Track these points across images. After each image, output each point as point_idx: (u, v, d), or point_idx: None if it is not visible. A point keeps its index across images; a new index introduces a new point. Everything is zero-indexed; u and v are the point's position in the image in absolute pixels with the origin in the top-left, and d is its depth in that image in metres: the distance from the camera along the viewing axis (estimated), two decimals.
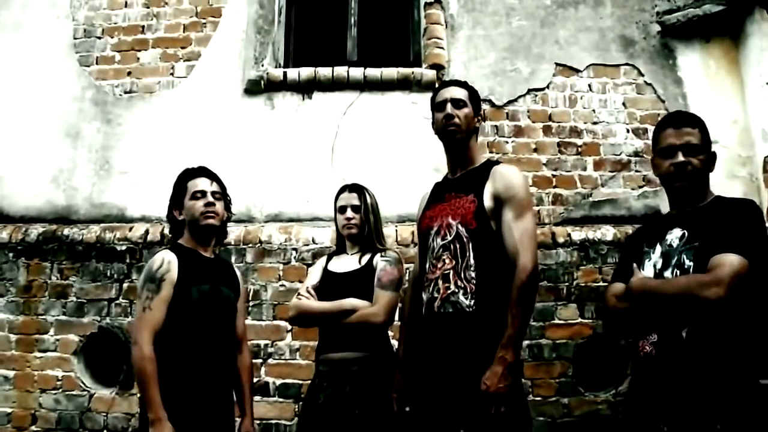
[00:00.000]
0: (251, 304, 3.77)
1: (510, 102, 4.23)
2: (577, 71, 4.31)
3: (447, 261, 2.40)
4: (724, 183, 4.14)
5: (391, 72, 4.21)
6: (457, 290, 2.35)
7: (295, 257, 3.85)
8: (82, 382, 3.78)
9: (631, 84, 4.34)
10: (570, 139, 4.20)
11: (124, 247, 3.92)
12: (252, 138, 4.18)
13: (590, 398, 3.72)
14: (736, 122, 4.32)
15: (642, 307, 2.11)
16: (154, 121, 4.26)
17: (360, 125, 4.18)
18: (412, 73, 4.20)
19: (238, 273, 2.83)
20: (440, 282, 2.40)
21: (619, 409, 3.69)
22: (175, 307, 2.44)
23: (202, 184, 2.65)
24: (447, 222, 2.45)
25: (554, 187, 4.12)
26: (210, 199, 2.61)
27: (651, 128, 4.21)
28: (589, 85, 4.30)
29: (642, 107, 4.30)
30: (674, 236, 2.15)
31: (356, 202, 2.87)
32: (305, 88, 4.24)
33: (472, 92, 2.63)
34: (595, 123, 4.24)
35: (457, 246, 2.39)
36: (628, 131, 4.25)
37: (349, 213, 2.85)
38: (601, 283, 3.85)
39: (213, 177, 2.72)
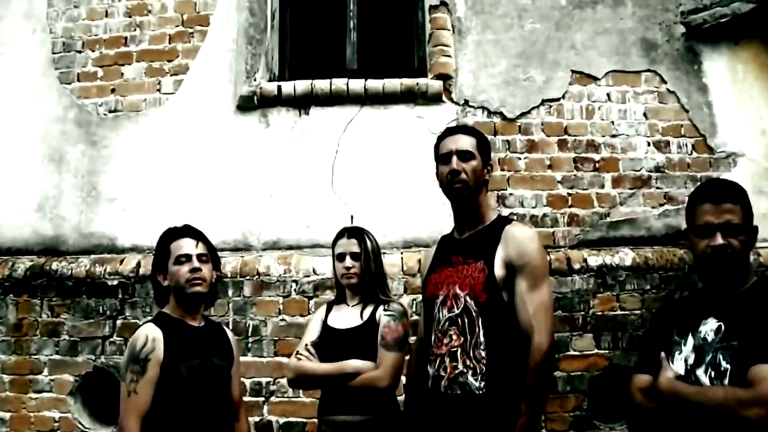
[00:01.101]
0: (251, 340, 3.51)
1: (523, 114, 3.84)
2: (595, 79, 3.90)
3: (454, 337, 2.14)
4: (750, 199, 3.79)
5: (394, 84, 3.82)
6: (465, 370, 2.10)
7: (295, 290, 3.55)
8: (81, 423, 3.55)
9: (653, 92, 3.94)
10: (587, 154, 3.82)
11: (115, 282, 3.63)
12: (246, 158, 3.83)
13: (605, 431, 3.49)
14: (764, 133, 3.94)
15: (670, 409, 1.82)
16: (141, 142, 3.91)
17: (362, 142, 3.82)
18: (417, 84, 3.80)
19: (231, 337, 2.54)
20: (447, 360, 2.14)
21: None
22: (164, 387, 2.18)
23: (186, 246, 2.34)
24: (454, 292, 2.18)
25: (570, 206, 3.77)
26: (195, 263, 2.31)
27: (673, 140, 3.88)
28: (608, 95, 3.90)
29: (664, 118, 3.91)
30: (709, 328, 1.85)
31: (356, 249, 2.58)
32: (302, 103, 3.86)
33: (481, 140, 2.31)
34: (613, 136, 3.86)
35: (465, 321, 2.13)
36: (648, 144, 3.87)
37: (348, 262, 2.56)
38: (618, 312, 3.57)
39: (198, 236, 2.40)
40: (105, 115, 3.97)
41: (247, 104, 3.86)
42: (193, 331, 2.34)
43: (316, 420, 3.32)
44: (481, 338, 2.09)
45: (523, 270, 2.10)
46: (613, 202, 3.79)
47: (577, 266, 3.56)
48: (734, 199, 1.88)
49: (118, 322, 3.60)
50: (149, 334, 2.22)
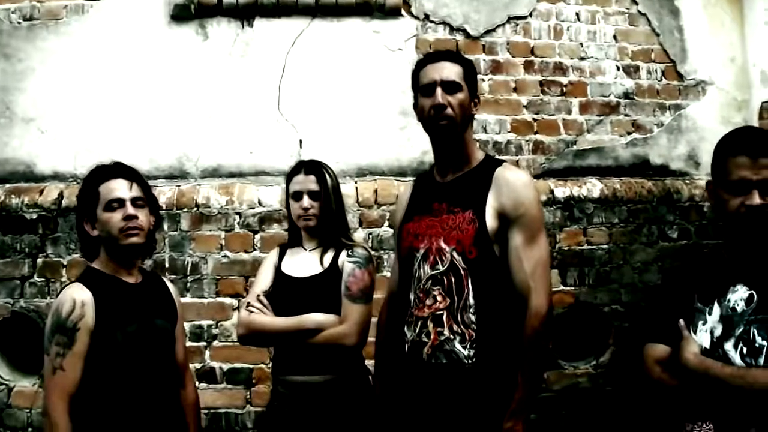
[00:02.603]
0: (190, 279, 3.01)
1: (487, 32, 3.35)
2: None
3: (439, 298, 1.76)
4: (717, 129, 3.47)
5: None
6: (452, 337, 1.73)
7: (239, 223, 3.04)
8: None
9: (624, 14, 3.51)
10: (554, 77, 3.39)
11: (34, 215, 3.04)
12: (182, 75, 3.22)
13: (570, 371, 3.18)
14: (733, 60, 3.60)
15: (698, 388, 1.47)
16: (62, 55, 3.23)
17: (312, 59, 3.25)
18: None
19: (174, 291, 2.07)
20: (430, 324, 1.76)
21: (600, 382, 3.19)
22: (96, 359, 1.74)
23: (118, 189, 1.85)
24: (438, 245, 1.78)
25: (535, 132, 3.35)
26: (130, 209, 1.83)
27: (643, 66, 3.51)
28: (577, 14, 3.45)
29: (634, 41, 3.50)
30: (739, 297, 1.50)
31: (314, 186, 2.14)
32: (245, 13, 3.25)
33: (468, 68, 1.88)
34: (582, 59, 3.43)
35: (453, 279, 1.75)
36: (618, 69, 3.46)
37: (306, 201, 2.13)
38: (585, 246, 3.23)
39: (132, 176, 1.90)
40: (19, 23, 3.28)
41: (182, 13, 3.22)
42: (129, 290, 1.87)
43: (263, 366, 2.95)
44: (471, 300, 1.73)
45: (518, 221, 1.75)
46: (580, 130, 3.40)
47: (543, 198, 3.13)
48: None
49: (39, 260, 3.03)
50: (77, 298, 1.75)
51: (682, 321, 1.54)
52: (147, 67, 3.23)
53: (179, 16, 3.24)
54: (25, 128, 3.23)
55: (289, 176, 2.23)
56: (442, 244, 1.78)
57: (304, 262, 2.16)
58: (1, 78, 3.26)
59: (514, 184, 1.77)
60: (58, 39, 3.27)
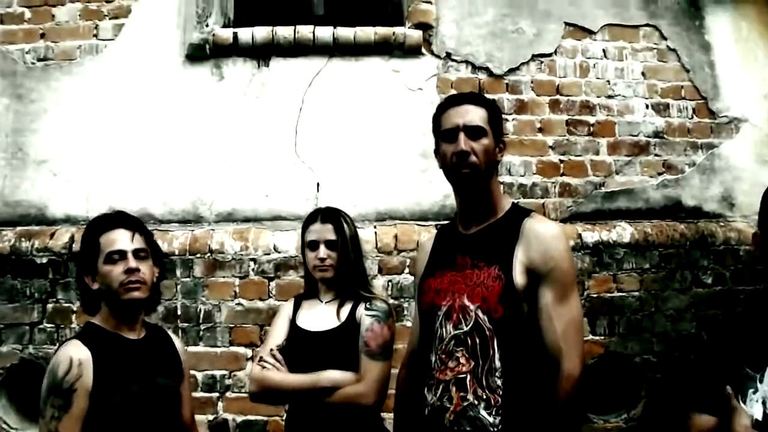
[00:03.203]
0: (203, 327, 2.84)
1: (511, 70, 3.18)
2: (590, 33, 3.27)
3: (462, 360, 1.58)
4: (752, 168, 3.27)
5: (368, 33, 3.10)
6: (476, 402, 1.55)
7: (253, 269, 2.87)
8: (6, 422, 2.88)
9: (652, 49, 3.33)
10: (581, 116, 3.20)
11: (45, 260, 2.90)
12: (197, 117, 3.09)
13: (600, 424, 2.95)
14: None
15: None
16: (75, 96, 3.13)
17: (329, 99, 3.11)
18: (393, 34, 3.09)
19: (179, 345, 1.91)
20: (453, 388, 1.58)
21: None
22: (95, 422, 1.58)
23: (120, 240, 1.70)
24: (461, 303, 1.61)
25: (562, 174, 3.16)
26: (132, 263, 1.68)
27: (673, 103, 3.30)
28: (604, 51, 3.28)
29: (664, 78, 3.31)
30: None
31: (332, 236, 1.99)
32: (261, 53, 3.12)
33: (493, 111, 1.72)
34: (610, 97, 3.24)
35: (477, 340, 1.57)
36: (647, 107, 3.27)
37: (323, 251, 1.97)
38: (615, 294, 3.02)
39: (134, 226, 1.75)
40: (33, 63, 3.18)
41: (197, 53, 3.10)
42: (131, 347, 1.70)
43: (278, 418, 2.76)
44: (497, 363, 1.55)
45: (549, 277, 1.58)
46: (609, 171, 3.20)
47: (571, 242, 2.96)
48: None
49: (49, 306, 2.89)
50: (74, 357, 1.60)
51: (729, 389, 1.31)
52: (161, 109, 3.10)
53: (194, 56, 3.12)
54: (38, 170, 3.11)
55: (305, 225, 2.07)
56: (466, 302, 1.60)
57: (320, 315, 2.00)
58: (14, 119, 3.15)
59: (544, 236, 1.60)
60: (72, 79, 3.16)
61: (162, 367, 1.77)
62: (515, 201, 2.04)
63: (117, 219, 1.77)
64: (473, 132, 1.64)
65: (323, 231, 2.01)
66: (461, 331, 1.59)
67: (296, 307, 2.08)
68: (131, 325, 1.74)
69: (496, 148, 1.69)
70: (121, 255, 1.69)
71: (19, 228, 3.03)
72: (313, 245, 2.00)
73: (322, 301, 2.04)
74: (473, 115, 1.66)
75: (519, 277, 1.56)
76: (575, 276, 1.68)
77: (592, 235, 3.03)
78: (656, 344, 3.04)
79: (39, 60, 3.19)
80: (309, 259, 2.03)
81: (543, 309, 1.56)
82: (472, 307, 1.59)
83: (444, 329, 1.62)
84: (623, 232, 3.08)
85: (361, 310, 1.97)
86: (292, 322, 2.03)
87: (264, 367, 1.92)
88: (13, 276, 2.93)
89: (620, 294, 3.02)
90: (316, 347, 1.94)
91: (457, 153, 1.62)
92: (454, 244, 1.73)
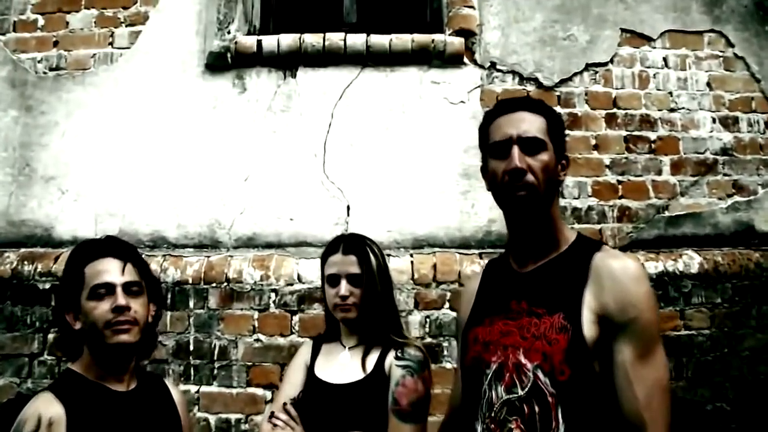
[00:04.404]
0: (217, 366, 2.45)
1: (563, 81, 2.77)
2: (649, 39, 2.85)
3: None
4: None
5: (404, 40, 2.73)
6: None
7: (274, 301, 2.49)
8: None
9: (718, 57, 2.89)
10: (641, 132, 2.77)
11: (48, 285, 2.55)
12: (216, 131, 2.73)
13: None
14: None
15: None
16: (87, 108, 2.80)
17: (361, 113, 2.73)
18: (432, 41, 2.71)
19: (177, 397, 1.54)
20: None
21: None
22: None
23: (108, 270, 1.38)
24: (516, 360, 1.24)
25: (620, 197, 2.72)
26: (120, 299, 1.35)
27: (743, 116, 2.85)
28: (665, 59, 2.85)
29: (732, 88, 2.87)
30: None
31: (355, 269, 1.63)
32: (287, 63, 2.76)
33: (553, 119, 1.34)
34: (672, 110, 2.81)
35: (536, 409, 1.19)
36: (714, 121, 2.83)
37: (345, 288, 1.61)
38: (683, 332, 2.56)
39: (126, 255, 1.42)
40: (45, 73, 2.86)
41: (218, 63, 2.75)
42: (117, 401, 1.36)
43: None
44: None
45: (628, 329, 1.19)
46: (673, 192, 2.75)
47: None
48: None
49: (50, 336, 2.52)
50: (43, 415, 1.28)
51: None
52: (178, 122, 2.75)
53: (214, 65, 2.77)
54: (45, 187, 2.78)
55: (325, 255, 1.70)
56: (522, 359, 1.23)
57: (342, 364, 1.65)
58: (22, 132, 2.83)
59: (621, 276, 1.21)
60: (85, 90, 2.83)
61: (155, 425, 1.41)
62: (577, 229, 1.63)
63: (105, 246, 1.43)
64: (530, 145, 1.28)
65: (345, 263, 1.65)
66: (516, 395, 1.22)
67: (315, 352, 1.71)
68: (119, 375, 1.39)
69: (558, 164, 1.31)
70: (109, 289, 1.37)
71: (22, 250, 2.70)
72: (334, 280, 1.65)
73: (344, 346, 1.68)
74: (529, 124, 1.29)
75: (589, 329, 1.19)
76: (659, 327, 1.26)
77: (655, 265, 2.59)
78: (730, 390, 2.56)
79: (51, 69, 2.87)
80: (329, 296, 1.67)
81: (621, 369, 1.18)
82: (529, 366, 1.22)
83: (493, 392, 1.24)
84: (691, 261, 2.63)
85: (390, 358, 1.62)
86: (310, 370, 1.67)
87: (275, 425, 1.55)
88: (13, 302, 2.59)
89: (688, 332, 2.56)
90: (337, 403, 1.58)
91: (511, 171, 1.25)
92: (507, 284, 1.34)
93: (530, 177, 1.25)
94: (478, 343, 1.32)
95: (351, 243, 1.68)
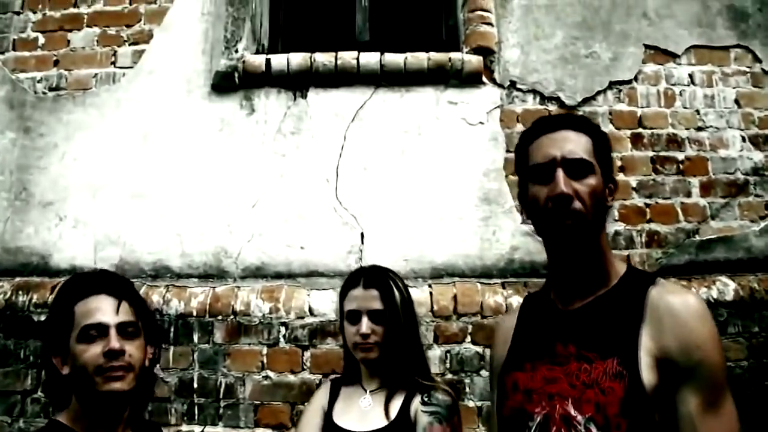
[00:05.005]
0: (223, 404, 2.25)
1: (586, 100, 2.61)
2: (674, 56, 2.69)
3: None
4: None
5: (419, 59, 2.57)
6: None
7: (284, 336, 2.29)
8: None
9: (745, 73, 2.73)
10: (668, 152, 2.61)
11: (43, 317, 2.37)
12: (223, 155, 2.56)
13: None
14: None
15: None
16: (88, 130, 2.64)
17: (375, 136, 2.56)
18: (449, 60, 2.56)
19: None
20: None
21: None
22: None
23: (100, 309, 1.23)
24: (564, 412, 1.06)
25: (648, 221, 2.55)
26: (115, 342, 1.19)
27: None
28: (691, 76, 2.69)
29: (761, 105, 2.70)
30: None
31: (377, 305, 1.50)
32: (297, 83, 2.60)
33: (600, 139, 1.17)
34: (700, 129, 2.65)
35: None
36: (744, 140, 2.66)
37: (366, 325, 1.46)
38: None
39: (121, 292, 1.25)
40: (44, 93, 2.71)
41: (225, 83, 2.59)
42: None
43: None
44: None
45: (692, 375, 1.02)
46: (703, 215, 2.58)
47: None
48: None
49: (45, 372, 2.37)
50: None
51: None
52: (182, 145, 2.58)
53: (221, 85, 2.61)
54: (43, 213, 2.60)
55: (344, 289, 1.54)
56: (572, 411, 1.06)
57: (364, 410, 1.48)
58: (19, 155, 2.67)
59: (683, 315, 1.04)
60: (85, 111, 2.67)
61: None
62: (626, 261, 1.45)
63: (98, 281, 1.27)
64: (576, 168, 1.12)
65: (366, 298, 1.51)
66: None
67: (333, 396, 1.54)
68: (111, 427, 1.22)
69: (606, 188, 1.15)
70: (101, 330, 1.21)
71: (17, 279, 2.52)
72: (354, 317, 1.49)
73: (365, 390, 1.51)
74: (575, 144, 1.14)
75: (648, 374, 1.02)
76: (726, 371, 1.08)
77: None
78: None
79: (51, 89, 2.72)
80: (349, 335, 1.50)
81: (686, 421, 1.02)
82: (580, 419, 1.05)
83: None
84: (725, 288, 2.45)
85: (416, 404, 1.46)
86: (328, 416, 1.50)
87: None
88: (6, 335, 2.40)
89: (727, 364, 2.39)
90: None
91: (555, 197, 1.10)
92: (550, 324, 1.17)
93: (577, 204, 1.10)
94: (518, 391, 1.14)
95: (372, 276, 1.52)
